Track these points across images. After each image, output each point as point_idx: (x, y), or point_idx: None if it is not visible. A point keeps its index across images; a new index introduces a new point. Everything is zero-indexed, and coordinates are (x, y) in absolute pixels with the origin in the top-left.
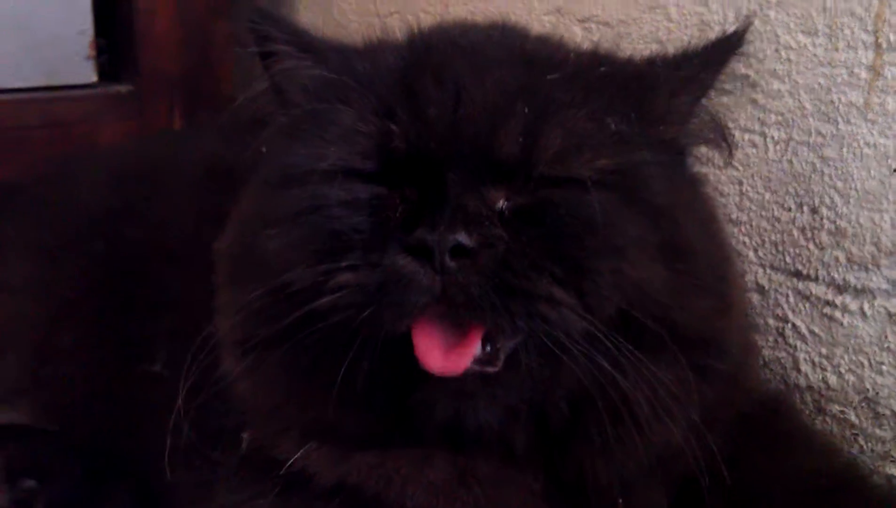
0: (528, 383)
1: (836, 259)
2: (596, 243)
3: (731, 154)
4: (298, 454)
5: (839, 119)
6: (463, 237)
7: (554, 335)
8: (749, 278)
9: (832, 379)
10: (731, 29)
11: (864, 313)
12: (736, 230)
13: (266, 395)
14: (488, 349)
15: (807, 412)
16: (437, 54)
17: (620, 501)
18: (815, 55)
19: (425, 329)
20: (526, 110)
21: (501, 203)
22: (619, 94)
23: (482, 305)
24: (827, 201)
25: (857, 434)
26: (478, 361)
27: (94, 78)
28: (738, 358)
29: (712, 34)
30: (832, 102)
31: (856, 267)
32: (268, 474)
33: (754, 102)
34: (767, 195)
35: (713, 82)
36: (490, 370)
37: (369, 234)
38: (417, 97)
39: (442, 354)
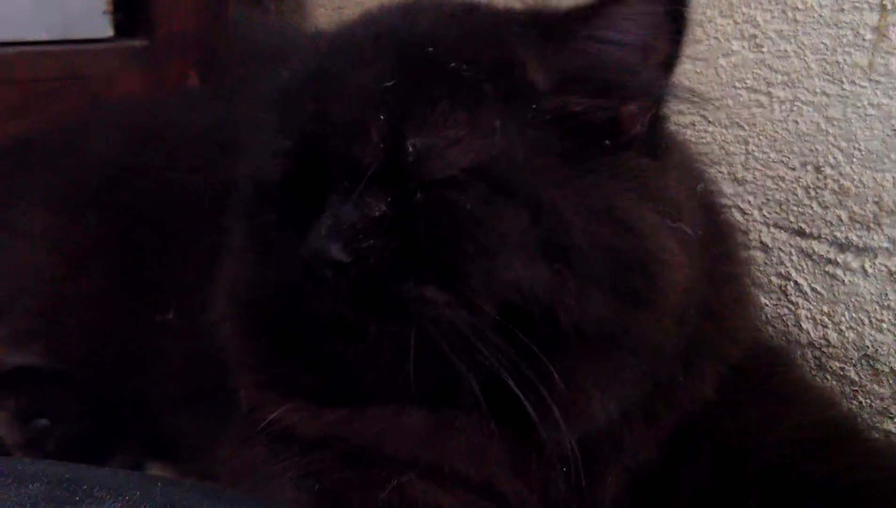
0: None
1: (839, 218)
2: (465, 244)
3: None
4: (276, 413)
5: (844, 80)
6: (336, 252)
7: (433, 333)
8: (753, 236)
9: (833, 336)
10: None
11: (865, 272)
12: (741, 189)
13: (244, 351)
14: None
15: (807, 368)
16: (319, 62)
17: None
18: (820, 16)
19: None
20: (382, 118)
21: (377, 211)
22: (496, 70)
23: (359, 309)
24: (831, 160)
25: (856, 391)
26: None
27: (110, 32)
28: (682, 345)
29: None
30: (837, 62)
31: (858, 226)
32: (259, 426)
33: (761, 62)
34: (772, 155)
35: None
36: None
37: (285, 239)
38: (301, 113)
39: None
